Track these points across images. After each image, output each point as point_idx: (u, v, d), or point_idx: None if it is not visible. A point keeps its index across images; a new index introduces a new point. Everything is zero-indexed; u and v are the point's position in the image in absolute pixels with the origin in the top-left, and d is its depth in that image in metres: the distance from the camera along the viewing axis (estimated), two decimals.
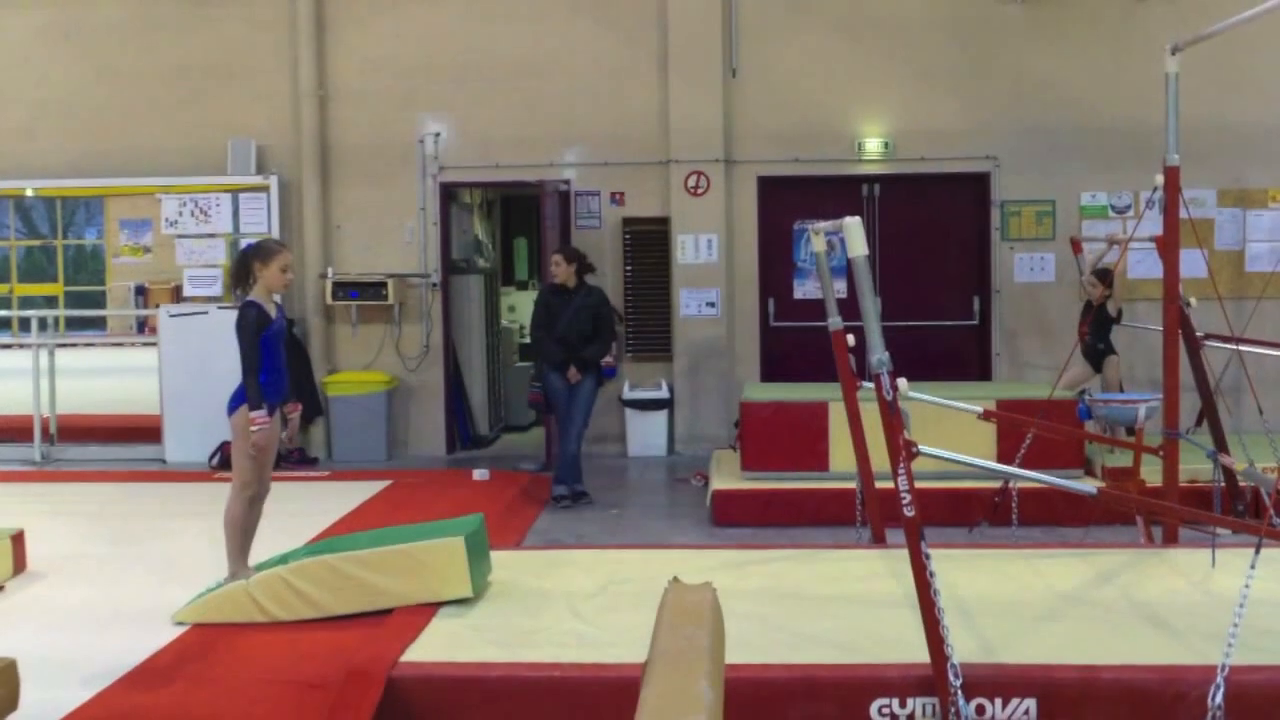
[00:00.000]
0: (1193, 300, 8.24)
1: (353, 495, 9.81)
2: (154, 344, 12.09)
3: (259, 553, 6.65)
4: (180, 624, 6.23)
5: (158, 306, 12.24)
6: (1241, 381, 9.46)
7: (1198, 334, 8.24)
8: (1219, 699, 4.53)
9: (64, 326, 16.26)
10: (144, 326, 12.74)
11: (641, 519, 9.44)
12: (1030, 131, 11.86)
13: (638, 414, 11.97)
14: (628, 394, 11.95)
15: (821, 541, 7.99)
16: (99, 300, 20.30)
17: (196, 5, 12.32)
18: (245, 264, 6.50)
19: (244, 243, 12.06)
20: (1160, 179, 7.07)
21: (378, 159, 12.23)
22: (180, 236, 12.25)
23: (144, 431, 12.03)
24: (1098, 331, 10.06)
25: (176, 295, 12.34)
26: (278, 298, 6.64)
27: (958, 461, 5.38)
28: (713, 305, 12.03)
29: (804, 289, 12.19)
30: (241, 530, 6.48)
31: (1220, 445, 8.06)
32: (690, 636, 3.25)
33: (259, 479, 6.52)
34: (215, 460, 11.43)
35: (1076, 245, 10.81)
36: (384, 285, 12.02)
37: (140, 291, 18.73)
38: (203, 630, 6.15)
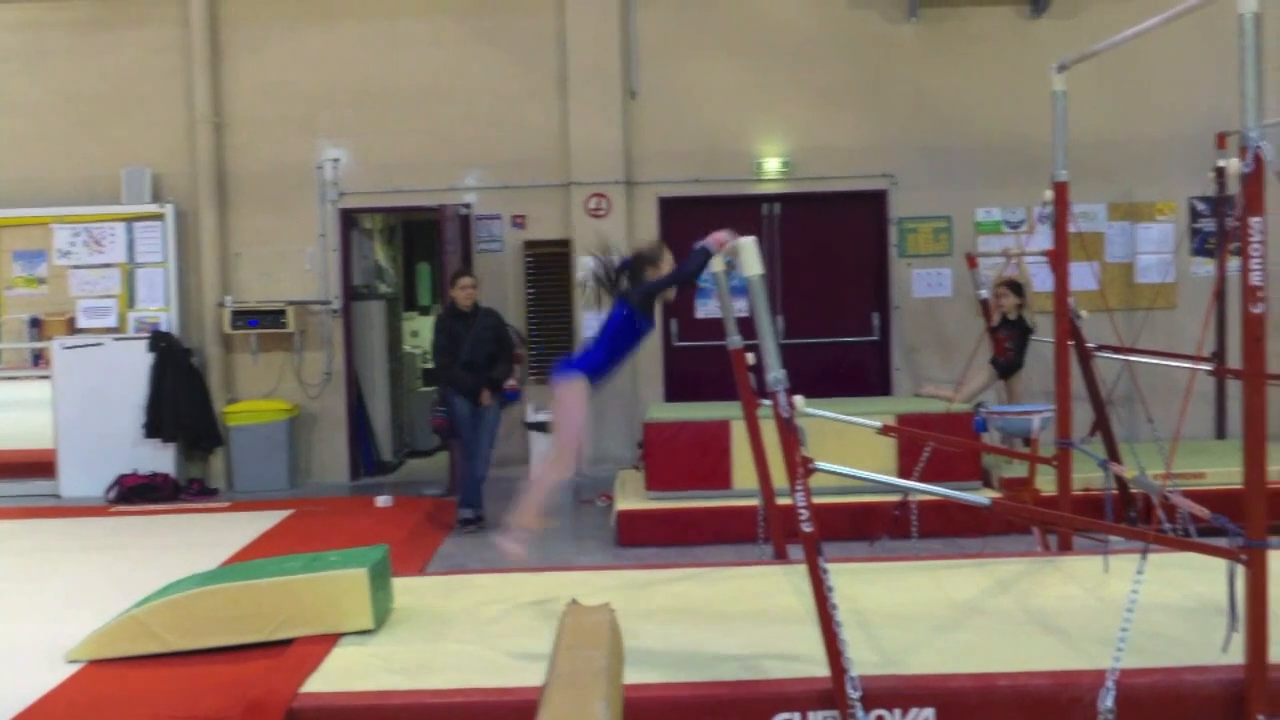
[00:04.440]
0: (1084, 312, 8.41)
1: (254, 525, 9.69)
2: (48, 377, 11.86)
3: (155, 583, 6.55)
4: (74, 661, 6.10)
5: (51, 339, 12.00)
6: (1133, 391, 9.65)
7: (1089, 345, 8.41)
8: (1110, 702, 4.63)
9: None
10: (39, 359, 12.49)
11: (546, 541, 9.36)
12: (925, 149, 12.03)
13: (542, 437, 11.91)
14: (531, 417, 11.90)
15: (725, 559, 8.02)
16: None
17: (89, 33, 12.15)
18: (631, 267, 6.40)
19: (141, 272, 11.90)
20: (1050, 194, 7.21)
21: (276, 186, 12.12)
22: (74, 267, 12.02)
23: (38, 467, 11.80)
24: (1021, 345, 10.18)
25: (71, 327, 12.10)
26: None
27: (855, 476, 5.43)
28: None
29: (706, 309, 12.24)
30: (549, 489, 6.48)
31: (1112, 454, 8.22)
32: (587, 658, 3.25)
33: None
34: (112, 494, 11.24)
35: (972, 260, 10.97)
36: (284, 313, 11.90)
37: (35, 324, 18.35)
38: (98, 667, 6.02)
